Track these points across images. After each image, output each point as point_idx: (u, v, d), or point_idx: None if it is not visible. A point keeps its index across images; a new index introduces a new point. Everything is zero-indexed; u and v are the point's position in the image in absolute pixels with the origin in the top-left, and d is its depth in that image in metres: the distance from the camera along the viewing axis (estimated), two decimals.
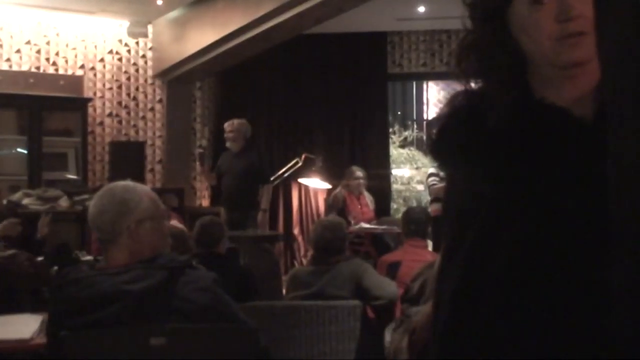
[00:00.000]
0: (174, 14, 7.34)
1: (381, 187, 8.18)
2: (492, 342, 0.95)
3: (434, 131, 1.07)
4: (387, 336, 2.69)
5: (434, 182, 6.46)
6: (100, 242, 2.02)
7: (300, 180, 7.58)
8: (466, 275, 1.00)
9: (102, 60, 7.62)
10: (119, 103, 7.75)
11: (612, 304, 0.70)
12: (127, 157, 7.66)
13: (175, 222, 5.11)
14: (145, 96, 7.90)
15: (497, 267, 0.95)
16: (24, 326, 2.47)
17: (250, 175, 6.01)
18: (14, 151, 6.90)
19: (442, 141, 1.06)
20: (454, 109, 1.06)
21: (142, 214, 1.98)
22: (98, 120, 7.60)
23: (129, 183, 2.09)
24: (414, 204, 8.60)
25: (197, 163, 6.97)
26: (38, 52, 7.27)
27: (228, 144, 6.16)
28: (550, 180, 0.93)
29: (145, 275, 1.87)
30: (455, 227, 1.04)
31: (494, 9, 1.01)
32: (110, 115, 7.69)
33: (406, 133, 9.31)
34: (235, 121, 6.15)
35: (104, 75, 7.65)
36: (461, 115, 1.04)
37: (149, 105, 7.92)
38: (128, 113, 7.81)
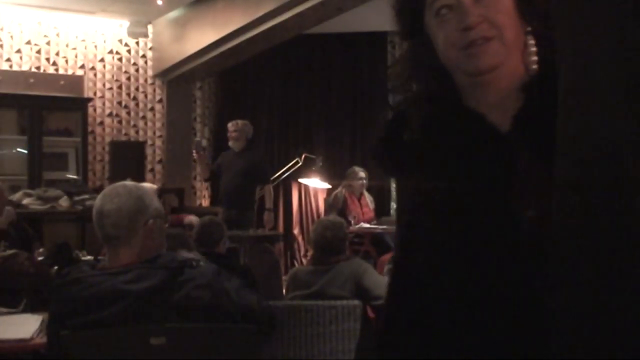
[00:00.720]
0: (174, 14, 7.33)
1: (381, 187, 8.18)
2: (418, 341, 0.97)
3: (377, 144, 1.09)
4: None
5: None
6: (108, 240, 1.96)
7: (300, 180, 7.58)
8: (394, 279, 1.04)
9: (102, 60, 7.61)
10: (119, 103, 7.75)
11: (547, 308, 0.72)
12: (127, 157, 7.66)
13: (193, 217, 5.21)
14: (145, 96, 7.90)
15: (415, 273, 0.98)
16: (24, 326, 2.47)
17: (250, 174, 6.04)
18: (14, 151, 6.89)
19: (382, 154, 1.08)
20: (390, 120, 1.08)
21: (155, 212, 1.99)
22: (98, 120, 7.60)
23: (133, 182, 2.09)
24: None
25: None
26: (38, 52, 7.27)
27: (230, 143, 6.20)
28: (462, 185, 0.94)
29: (146, 275, 1.87)
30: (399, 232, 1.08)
31: (411, 25, 1.02)
32: (110, 115, 7.69)
33: None
34: (240, 122, 6.22)
35: (104, 75, 7.64)
36: (395, 127, 1.06)
37: (149, 105, 7.92)
38: (128, 113, 7.80)
